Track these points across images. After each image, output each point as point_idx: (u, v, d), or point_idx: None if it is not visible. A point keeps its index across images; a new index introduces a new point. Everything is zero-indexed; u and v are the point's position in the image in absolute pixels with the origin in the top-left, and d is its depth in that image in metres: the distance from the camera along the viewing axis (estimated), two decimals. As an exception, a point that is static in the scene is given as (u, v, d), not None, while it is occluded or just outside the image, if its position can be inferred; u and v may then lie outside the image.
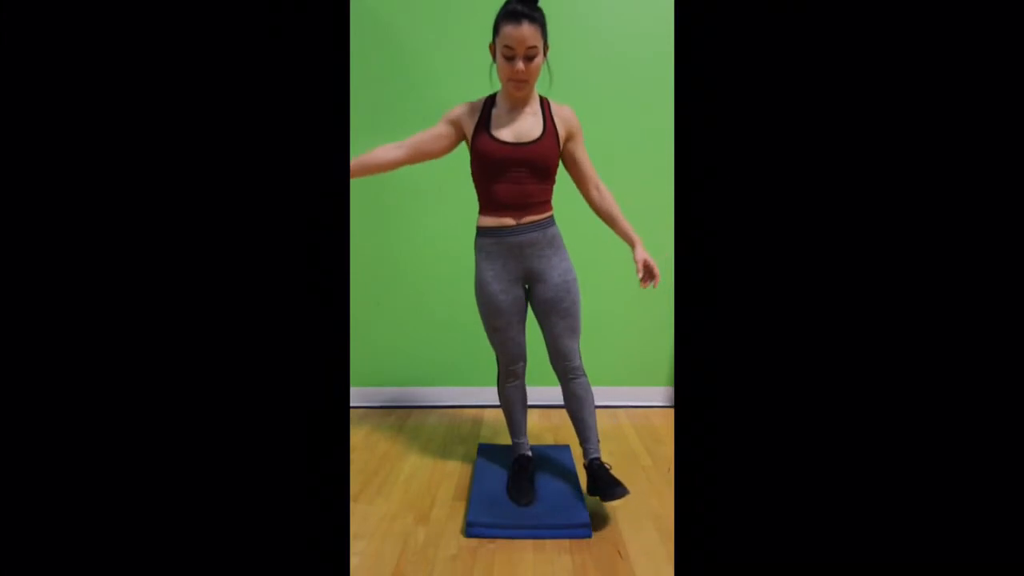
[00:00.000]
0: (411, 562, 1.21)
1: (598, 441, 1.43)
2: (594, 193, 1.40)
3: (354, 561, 1.21)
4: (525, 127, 1.30)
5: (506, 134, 1.29)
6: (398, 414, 2.04)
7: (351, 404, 2.11)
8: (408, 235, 1.98)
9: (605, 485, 1.32)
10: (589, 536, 1.28)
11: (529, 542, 1.27)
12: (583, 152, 1.38)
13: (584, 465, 1.42)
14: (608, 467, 1.38)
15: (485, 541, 1.28)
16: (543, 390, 2.04)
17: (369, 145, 1.87)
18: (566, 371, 1.41)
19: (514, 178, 1.31)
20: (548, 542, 1.27)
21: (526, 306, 1.43)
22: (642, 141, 1.89)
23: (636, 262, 1.33)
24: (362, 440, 1.82)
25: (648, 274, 1.33)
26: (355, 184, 1.90)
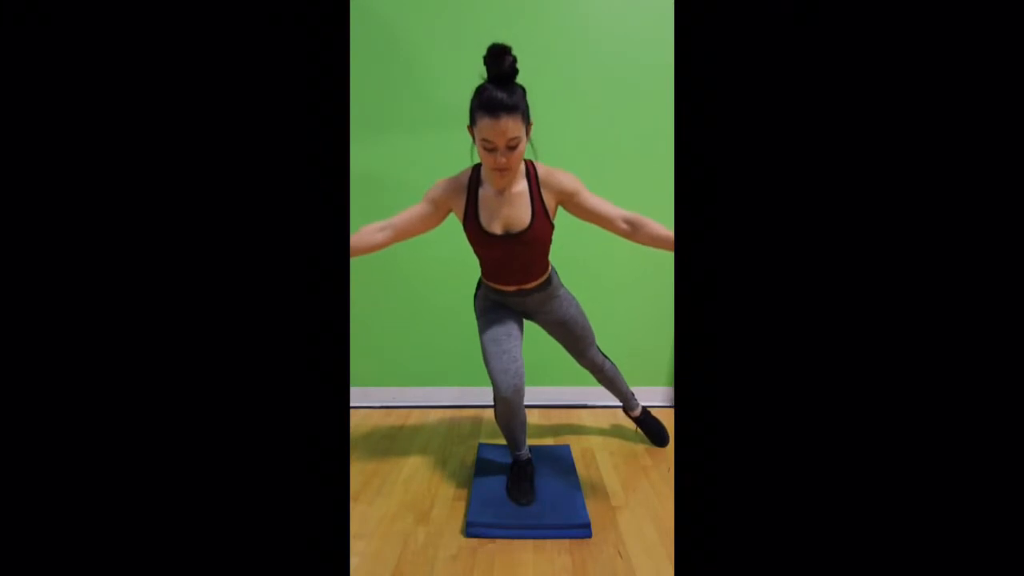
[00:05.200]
0: (411, 562, 1.21)
1: (634, 396, 1.72)
2: (626, 228, 1.26)
3: (354, 561, 1.21)
4: (514, 214, 1.25)
5: (496, 226, 1.25)
6: (398, 414, 2.03)
7: (351, 404, 2.11)
8: (408, 235, 1.98)
9: (660, 431, 1.73)
10: (589, 536, 1.28)
11: (529, 542, 1.27)
12: (591, 200, 1.27)
13: (635, 418, 1.76)
14: (649, 412, 1.76)
15: (485, 541, 1.28)
16: (543, 390, 2.05)
17: (369, 144, 1.88)
18: (593, 366, 1.60)
19: (508, 259, 1.31)
20: (548, 542, 1.27)
21: (522, 331, 1.45)
22: (642, 141, 1.89)
23: None
24: (362, 440, 1.82)
25: None
26: (354, 185, 1.90)
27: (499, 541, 1.28)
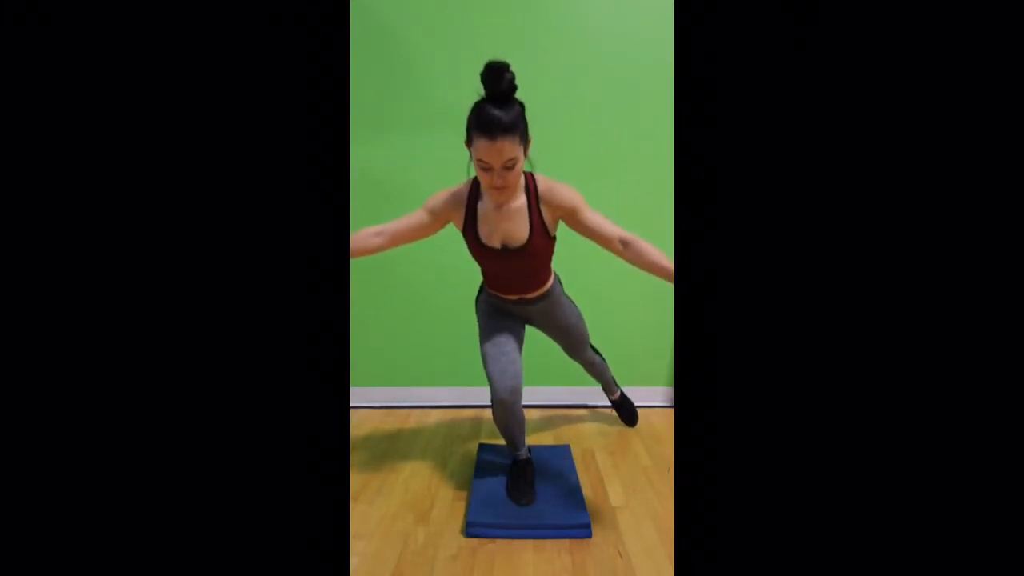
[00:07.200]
0: (411, 562, 1.21)
1: (615, 382, 1.85)
2: (620, 248, 1.22)
3: (354, 561, 1.21)
4: (512, 229, 1.23)
5: (494, 240, 1.24)
6: (398, 414, 2.03)
7: (351, 404, 2.11)
8: (408, 235, 1.98)
9: (633, 412, 1.89)
10: (589, 536, 1.28)
11: (529, 542, 1.27)
12: (591, 217, 1.22)
13: (612, 400, 1.89)
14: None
15: (485, 541, 1.28)
16: (543, 390, 2.04)
17: (369, 144, 1.88)
18: (585, 362, 1.69)
19: (508, 271, 1.31)
20: (548, 542, 1.27)
21: (523, 336, 1.47)
22: (642, 141, 1.89)
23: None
24: (362, 440, 1.82)
25: None
26: (354, 185, 1.90)
27: (499, 541, 1.28)
